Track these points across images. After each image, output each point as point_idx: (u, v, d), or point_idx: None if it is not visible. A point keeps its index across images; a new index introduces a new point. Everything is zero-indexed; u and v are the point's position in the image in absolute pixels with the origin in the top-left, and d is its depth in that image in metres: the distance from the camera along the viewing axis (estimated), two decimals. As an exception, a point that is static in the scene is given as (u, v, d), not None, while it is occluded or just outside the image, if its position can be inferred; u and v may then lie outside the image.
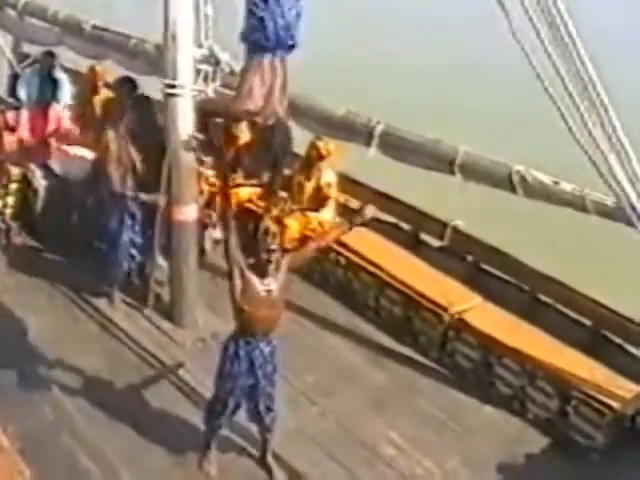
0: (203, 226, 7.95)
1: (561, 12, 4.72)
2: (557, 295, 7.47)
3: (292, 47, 4.56)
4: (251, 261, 5.36)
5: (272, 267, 5.34)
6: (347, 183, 8.70)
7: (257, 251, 5.33)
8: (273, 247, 5.28)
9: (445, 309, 7.27)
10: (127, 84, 7.66)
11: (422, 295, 7.45)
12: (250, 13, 4.45)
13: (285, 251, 5.56)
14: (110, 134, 7.32)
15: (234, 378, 5.50)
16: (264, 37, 4.45)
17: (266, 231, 5.33)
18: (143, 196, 7.33)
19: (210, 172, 8.03)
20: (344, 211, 8.55)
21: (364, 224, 5.72)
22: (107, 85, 9.15)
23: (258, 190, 8.45)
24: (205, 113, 6.22)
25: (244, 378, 5.50)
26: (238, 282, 5.32)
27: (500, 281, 7.95)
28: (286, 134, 4.66)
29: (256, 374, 5.50)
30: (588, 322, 7.24)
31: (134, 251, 7.60)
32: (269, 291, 5.35)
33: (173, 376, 6.77)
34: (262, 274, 5.34)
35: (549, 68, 4.83)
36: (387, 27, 19.23)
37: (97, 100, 9.14)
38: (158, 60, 6.97)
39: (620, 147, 5.01)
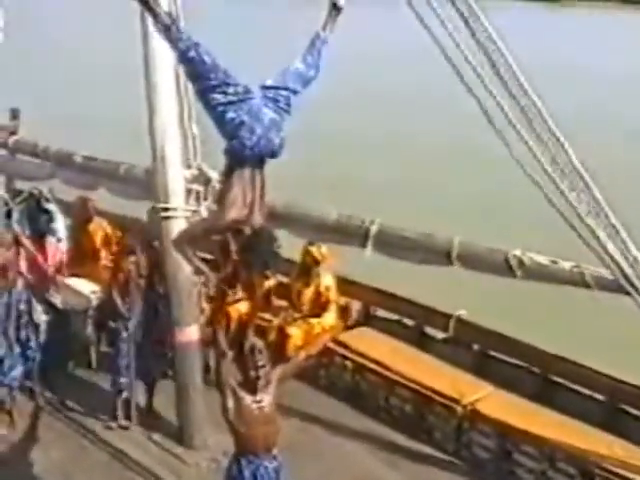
0: (206, 344, 7.93)
1: (535, 102, 4.92)
2: (568, 374, 7.43)
3: (272, 156, 4.66)
4: (240, 379, 5.41)
5: (262, 382, 5.39)
6: (346, 285, 8.73)
7: (246, 368, 5.38)
8: (261, 364, 5.36)
9: (457, 401, 7.20)
10: None
11: (433, 390, 7.39)
12: (230, 127, 4.54)
13: (275, 364, 5.58)
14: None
15: None
16: (245, 149, 4.55)
17: (252, 348, 5.42)
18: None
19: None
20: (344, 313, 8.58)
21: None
22: (99, 213, 9.29)
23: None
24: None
25: None
26: (230, 403, 5.36)
27: (509, 366, 7.91)
28: (272, 239, 4.69)
29: None
30: (602, 397, 7.17)
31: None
32: (261, 407, 5.36)
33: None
34: (253, 390, 5.39)
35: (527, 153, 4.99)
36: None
37: (90, 229, 9.26)
38: (149, 184, 7.09)
39: (607, 221, 5.08)
